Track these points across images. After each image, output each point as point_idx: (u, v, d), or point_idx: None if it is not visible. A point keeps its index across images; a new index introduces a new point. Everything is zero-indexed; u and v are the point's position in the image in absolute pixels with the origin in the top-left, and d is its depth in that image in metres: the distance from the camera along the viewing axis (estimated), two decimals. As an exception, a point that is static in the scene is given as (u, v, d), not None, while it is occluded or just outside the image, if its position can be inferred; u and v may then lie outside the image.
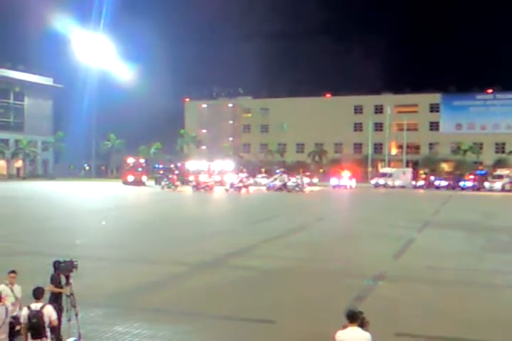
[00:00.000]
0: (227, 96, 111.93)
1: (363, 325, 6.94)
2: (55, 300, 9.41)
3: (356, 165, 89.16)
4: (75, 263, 9.76)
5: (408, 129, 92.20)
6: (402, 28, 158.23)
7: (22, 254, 19.02)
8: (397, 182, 73.75)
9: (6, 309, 8.15)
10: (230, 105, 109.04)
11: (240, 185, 58.87)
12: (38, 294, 8.27)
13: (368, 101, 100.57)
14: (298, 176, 64.74)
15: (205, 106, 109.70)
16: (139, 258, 18.78)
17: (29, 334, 7.94)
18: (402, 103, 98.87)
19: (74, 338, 9.34)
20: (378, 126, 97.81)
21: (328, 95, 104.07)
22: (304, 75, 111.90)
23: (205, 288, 14.51)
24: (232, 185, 59.08)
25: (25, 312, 8.04)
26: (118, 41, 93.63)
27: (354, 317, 6.93)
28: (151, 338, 10.37)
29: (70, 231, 25.78)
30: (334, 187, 70.04)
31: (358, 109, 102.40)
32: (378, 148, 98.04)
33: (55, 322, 8.20)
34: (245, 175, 65.94)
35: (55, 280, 9.81)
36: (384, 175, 76.69)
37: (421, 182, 74.87)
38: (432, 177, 75.84)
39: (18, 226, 27.12)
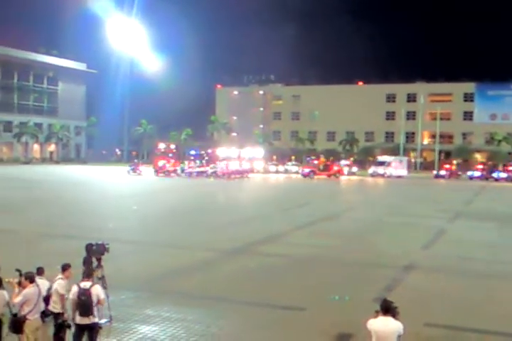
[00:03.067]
0: (258, 83, 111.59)
1: (394, 315, 6.92)
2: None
3: (387, 154, 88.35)
4: (107, 246, 9.88)
5: (441, 118, 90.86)
6: (437, 15, 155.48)
7: (55, 237, 19.36)
8: (396, 172, 70.66)
9: (39, 290, 8.28)
10: (261, 92, 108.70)
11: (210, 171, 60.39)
12: (88, 273, 8.47)
13: (401, 89, 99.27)
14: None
15: (236, 93, 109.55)
16: (170, 243, 18.95)
17: (77, 312, 8.11)
18: (436, 92, 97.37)
19: (105, 319, 9.49)
20: (411, 115, 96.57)
21: (361, 83, 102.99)
22: (335, 63, 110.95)
23: (234, 274, 14.59)
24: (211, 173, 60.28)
25: (74, 289, 8.21)
26: (151, 28, 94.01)
27: (388, 309, 6.92)
28: (180, 321, 10.47)
29: (101, 215, 26.17)
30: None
31: (391, 98, 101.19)
32: (410, 137, 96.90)
33: (103, 302, 8.35)
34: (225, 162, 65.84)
35: (87, 263, 9.96)
36: (381, 163, 73.07)
37: (443, 172, 72.90)
38: (454, 167, 74.95)
39: (51, 210, 27.59)
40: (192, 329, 10.10)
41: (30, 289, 8.22)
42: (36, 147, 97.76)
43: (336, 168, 67.57)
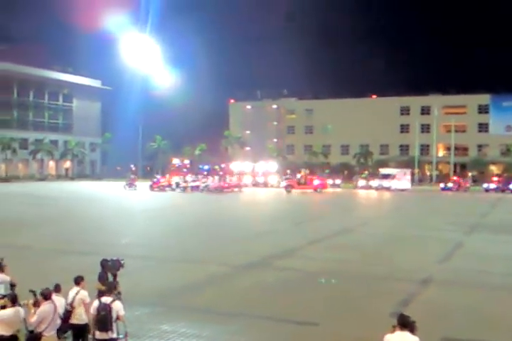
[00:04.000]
0: (271, 97, 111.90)
1: (412, 330, 6.85)
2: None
3: (402, 167, 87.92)
4: (122, 261, 9.93)
5: (456, 131, 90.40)
6: (449, 27, 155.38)
7: (70, 253, 19.44)
8: (401, 185, 68.57)
9: (55, 306, 8.31)
10: (275, 106, 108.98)
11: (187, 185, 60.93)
12: (110, 288, 8.54)
13: (415, 102, 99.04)
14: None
15: (249, 107, 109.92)
16: (184, 258, 18.96)
17: (96, 327, 8.15)
18: (450, 104, 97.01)
19: (121, 335, 9.48)
20: (425, 128, 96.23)
21: (374, 96, 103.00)
22: (348, 76, 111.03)
23: (249, 288, 14.55)
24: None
25: (95, 304, 8.27)
26: (164, 44, 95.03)
27: (405, 323, 6.85)
28: (196, 337, 10.44)
29: (115, 231, 26.26)
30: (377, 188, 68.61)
31: (405, 110, 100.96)
32: (425, 149, 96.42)
33: (123, 318, 8.36)
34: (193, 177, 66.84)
35: (102, 279, 9.99)
36: (386, 176, 70.64)
37: (450, 184, 70.81)
38: (462, 180, 72.55)
39: (65, 226, 27.73)
40: (207, 345, 10.08)
41: (45, 306, 8.26)
42: (52, 164, 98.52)
43: (317, 182, 63.99)
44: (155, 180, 63.50)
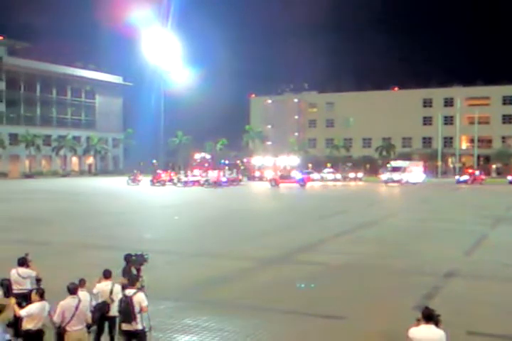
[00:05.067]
0: (292, 91, 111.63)
1: (437, 323, 6.79)
2: (127, 292, 9.65)
3: (425, 160, 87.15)
4: (146, 256, 9.98)
5: (480, 122, 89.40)
6: (473, 18, 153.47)
7: (95, 248, 19.62)
8: (413, 178, 67.15)
9: (79, 301, 8.38)
10: (296, 100, 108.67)
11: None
12: (132, 281, 8.61)
13: (438, 94, 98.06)
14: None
15: (270, 101, 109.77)
16: (207, 252, 19.02)
17: (120, 318, 8.30)
18: (474, 95, 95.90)
19: (146, 329, 9.55)
20: (448, 120, 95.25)
21: (396, 88, 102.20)
22: (370, 69, 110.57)
23: (272, 282, 14.54)
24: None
25: (119, 296, 8.43)
26: (185, 39, 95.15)
27: (430, 317, 6.80)
28: (219, 331, 10.47)
29: (139, 226, 26.42)
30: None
31: (427, 102, 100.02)
32: (448, 142, 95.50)
33: (146, 309, 8.40)
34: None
35: (126, 273, 10.06)
36: (397, 169, 68.84)
37: (465, 177, 69.88)
38: (477, 172, 71.34)
39: (90, 221, 27.99)
40: (231, 340, 10.10)
41: (67, 300, 8.35)
42: (75, 160, 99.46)
43: (299, 176, 63.28)
44: (131, 177, 64.12)
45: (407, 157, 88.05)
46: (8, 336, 8.08)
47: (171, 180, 62.44)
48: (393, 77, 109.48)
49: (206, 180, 60.00)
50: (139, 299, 8.28)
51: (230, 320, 11.14)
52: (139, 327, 8.31)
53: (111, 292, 9.12)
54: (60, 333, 8.37)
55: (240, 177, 68.37)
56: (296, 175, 63.56)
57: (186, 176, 63.02)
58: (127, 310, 8.19)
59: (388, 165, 72.10)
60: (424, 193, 53.62)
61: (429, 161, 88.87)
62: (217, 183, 59.17)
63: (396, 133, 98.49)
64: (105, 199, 43.83)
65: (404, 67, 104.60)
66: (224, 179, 62.04)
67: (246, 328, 10.70)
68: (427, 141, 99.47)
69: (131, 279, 8.64)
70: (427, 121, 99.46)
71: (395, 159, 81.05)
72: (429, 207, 38.16)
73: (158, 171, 66.90)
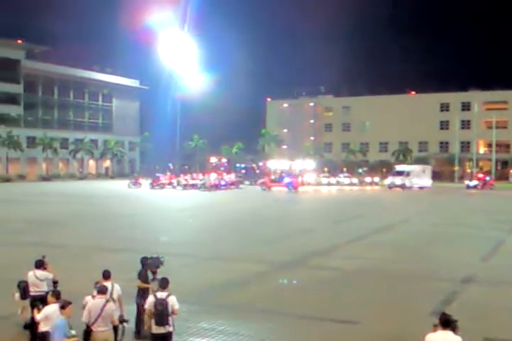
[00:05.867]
0: (308, 95, 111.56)
1: (454, 329, 6.73)
2: (143, 295, 9.68)
3: (442, 164, 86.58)
4: (162, 259, 10.02)
5: (497, 127, 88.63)
6: (491, 21, 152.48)
7: (110, 251, 19.71)
8: (418, 182, 65.27)
9: (106, 302, 8.40)
10: (312, 104, 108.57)
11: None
12: (164, 284, 8.59)
13: (455, 98, 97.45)
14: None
15: (286, 105, 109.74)
16: (222, 256, 19.02)
17: (153, 321, 8.25)
18: (491, 100, 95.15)
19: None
20: (465, 124, 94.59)
21: (413, 92, 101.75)
22: (386, 73, 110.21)
23: (287, 287, 14.51)
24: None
25: (151, 299, 8.39)
26: (201, 42, 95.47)
27: (448, 323, 6.73)
28: (234, 335, 10.46)
29: (154, 228, 26.49)
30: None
31: (444, 107, 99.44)
32: (465, 146, 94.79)
33: (177, 312, 8.46)
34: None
35: (142, 276, 10.10)
36: (400, 173, 66.92)
37: (475, 182, 68.21)
38: (487, 177, 70.03)
39: (106, 224, 28.14)
40: (246, 343, 10.09)
41: (95, 300, 8.44)
42: (92, 163, 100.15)
43: (287, 180, 62.13)
44: (133, 180, 65.40)
45: (423, 161, 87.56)
46: (73, 332, 8.15)
47: (170, 184, 63.45)
48: (410, 80, 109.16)
49: (203, 184, 60.57)
50: (172, 302, 8.35)
51: (245, 324, 11.13)
52: (171, 329, 8.37)
53: (111, 292, 9.14)
54: (86, 332, 8.47)
55: (238, 180, 68.97)
56: (286, 179, 63.20)
57: (186, 180, 63.79)
58: (163, 313, 8.24)
59: (395, 168, 70.87)
60: (434, 198, 53.26)
61: (446, 166, 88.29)
62: (212, 187, 59.67)
63: (413, 138, 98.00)
64: (117, 201, 44.02)
65: (421, 71, 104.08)
66: (222, 182, 62.82)
67: (261, 332, 10.69)
68: (444, 146, 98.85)
69: (161, 282, 8.67)
70: (444, 125, 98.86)
71: (411, 163, 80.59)
72: (442, 211, 37.90)
73: (158, 174, 68.32)
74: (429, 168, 70.83)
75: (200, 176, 67.09)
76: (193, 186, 61.01)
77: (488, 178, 69.92)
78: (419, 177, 66.36)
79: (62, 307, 7.80)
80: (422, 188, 64.57)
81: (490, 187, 66.86)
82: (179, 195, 53.52)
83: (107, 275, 9.51)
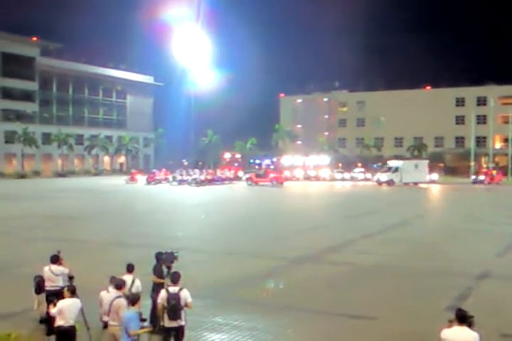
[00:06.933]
0: (322, 90, 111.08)
1: (470, 325, 6.68)
2: (158, 290, 9.70)
3: (458, 160, 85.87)
4: (176, 254, 10.05)
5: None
6: (505, 15, 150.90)
7: (126, 246, 19.81)
8: (409, 178, 62.07)
9: (115, 297, 8.44)
10: (326, 99, 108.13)
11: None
12: (175, 278, 8.62)
13: (470, 92, 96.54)
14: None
15: (300, 101, 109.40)
16: (237, 251, 19.05)
17: (165, 316, 8.27)
18: (507, 94, 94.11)
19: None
20: (481, 119, 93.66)
21: (428, 87, 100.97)
22: (401, 67, 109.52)
23: (302, 282, 14.49)
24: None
25: (163, 294, 8.42)
26: (215, 38, 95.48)
27: (464, 318, 6.68)
28: (249, 330, 10.47)
29: (170, 224, 26.60)
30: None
31: (460, 101, 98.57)
32: (481, 141, 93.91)
33: (191, 305, 8.49)
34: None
35: (157, 271, 10.14)
36: (388, 169, 64.17)
37: (481, 177, 66.25)
38: (494, 172, 67.84)
39: (122, 219, 28.30)
40: (260, 339, 10.09)
41: (108, 293, 8.53)
42: (106, 159, 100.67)
43: (272, 175, 62.75)
44: (129, 176, 68.03)
45: (438, 156, 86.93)
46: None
47: (165, 179, 65.03)
48: (425, 75, 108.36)
49: (194, 179, 61.51)
50: (185, 296, 8.37)
51: (260, 319, 11.13)
52: (183, 323, 8.40)
53: (131, 285, 9.21)
54: (105, 326, 8.61)
55: (232, 176, 70.53)
56: (270, 174, 63.60)
57: (182, 175, 65.06)
58: (176, 308, 8.27)
59: (388, 164, 67.48)
60: (440, 195, 52.90)
61: (461, 161, 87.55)
62: (203, 182, 60.67)
63: (428, 133, 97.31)
64: (127, 196, 44.25)
65: (436, 66, 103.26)
66: (218, 177, 65.32)
67: (276, 327, 10.69)
68: (459, 141, 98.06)
69: (173, 277, 8.69)
70: (460, 120, 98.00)
71: (426, 159, 79.89)
72: (453, 207, 37.66)
73: (153, 170, 70.71)
74: (424, 163, 66.89)
75: (196, 172, 68.26)
76: (186, 181, 62.18)
77: (495, 173, 68.42)
78: (410, 172, 62.92)
79: (133, 304, 7.94)
80: (416, 184, 62.14)
81: (497, 182, 65.41)
82: (177, 190, 54.20)
83: (130, 268, 9.59)
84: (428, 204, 42.09)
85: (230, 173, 71.42)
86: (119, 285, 8.65)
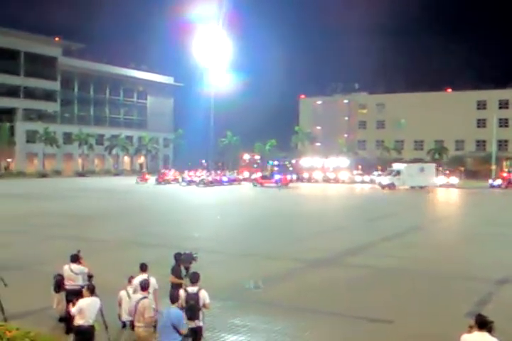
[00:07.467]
0: (342, 92, 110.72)
1: (490, 330, 6.60)
2: (176, 290, 9.73)
3: (479, 163, 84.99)
4: (195, 255, 10.09)
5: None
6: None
7: (144, 245, 19.90)
8: (410, 182, 60.23)
9: (140, 299, 8.47)
10: (346, 101, 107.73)
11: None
12: (195, 278, 8.65)
13: (492, 95, 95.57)
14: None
15: (320, 102, 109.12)
16: (255, 252, 19.05)
17: (184, 316, 8.25)
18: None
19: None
20: (503, 122, 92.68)
21: (449, 90, 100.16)
22: (422, 69, 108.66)
23: (320, 284, 14.45)
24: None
25: (182, 294, 8.43)
26: (235, 39, 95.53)
27: (484, 324, 6.61)
28: (266, 332, 10.47)
29: (188, 224, 26.69)
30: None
31: (481, 104, 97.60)
32: (503, 145, 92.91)
33: (209, 306, 8.52)
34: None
35: (175, 272, 10.18)
36: (390, 172, 62.74)
37: (498, 181, 64.32)
38: None
39: (140, 219, 28.47)
40: None
41: (135, 295, 8.61)
42: (126, 159, 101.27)
43: (277, 177, 62.20)
44: (140, 176, 69.25)
45: (459, 160, 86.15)
46: (199, 322, 8.32)
47: (175, 179, 66.27)
48: (446, 78, 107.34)
49: (201, 180, 62.07)
50: (204, 296, 8.38)
51: (277, 321, 11.11)
52: (201, 324, 8.41)
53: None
54: (132, 327, 8.69)
55: (241, 177, 71.24)
56: (276, 176, 63.49)
57: (190, 176, 66.24)
58: (194, 308, 8.29)
59: (392, 166, 65.70)
60: (456, 199, 52.32)
61: (483, 165, 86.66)
62: (211, 183, 61.35)
63: (449, 136, 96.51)
64: (145, 196, 44.48)
65: (457, 68, 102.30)
66: (225, 179, 65.99)
67: (293, 329, 10.67)
68: (480, 144, 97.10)
69: (192, 277, 8.71)
70: (481, 123, 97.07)
71: (447, 162, 79.23)
72: (469, 211, 37.25)
73: (163, 171, 72.31)
74: (430, 166, 65.00)
75: (203, 173, 69.47)
76: (194, 182, 62.80)
77: None
78: (414, 176, 60.92)
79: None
80: (422, 188, 60.24)
81: None
82: (186, 190, 54.89)
83: (144, 268, 9.65)
84: (444, 208, 41.68)
85: (241, 174, 72.04)
86: (144, 286, 8.68)
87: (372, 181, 72.58)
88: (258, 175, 67.48)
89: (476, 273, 16.03)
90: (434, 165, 66.80)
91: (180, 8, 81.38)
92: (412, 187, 60.50)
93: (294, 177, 69.76)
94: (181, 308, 8.25)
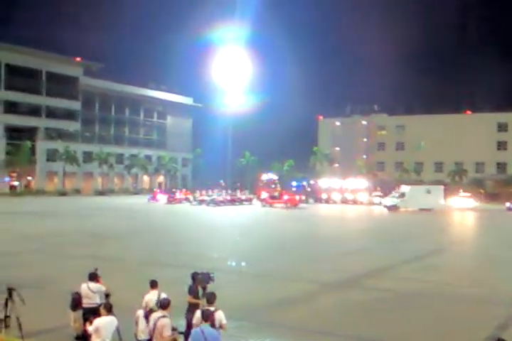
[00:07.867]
0: (361, 113, 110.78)
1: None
2: (193, 310, 9.69)
3: (500, 186, 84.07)
4: (212, 275, 10.04)
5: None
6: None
7: (162, 265, 19.89)
8: (414, 204, 58.96)
9: (159, 317, 8.44)
10: (364, 122, 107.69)
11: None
12: (211, 298, 8.61)
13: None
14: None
15: (338, 123, 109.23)
16: (273, 273, 18.95)
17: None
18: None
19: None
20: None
21: (468, 112, 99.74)
22: (441, 91, 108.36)
23: (335, 307, 14.31)
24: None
25: (198, 314, 8.39)
26: (255, 60, 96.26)
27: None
28: (282, 354, 10.36)
29: (206, 244, 26.66)
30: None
31: (502, 127, 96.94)
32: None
33: (225, 327, 8.46)
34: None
35: (192, 292, 10.14)
36: (395, 194, 61.95)
37: None
38: None
39: (159, 238, 28.53)
40: (294, 363, 9.98)
41: (155, 313, 8.58)
42: (146, 178, 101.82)
43: (286, 197, 62.47)
44: (151, 196, 71.52)
45: (479, 182, 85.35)
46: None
47: (186, 199, 67.48)
48: (466, 100, 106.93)
49: (212, 199, 62.77)
50: (220, 317, 8.32)
51: (294, 343, 11.00)
52: None
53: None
54: None
55: (245, 197, 71.23)
56: (284, 196, 63.66)
57: (201, 195, 67.17)
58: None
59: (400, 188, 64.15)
60: (473, 221, 51.64)
61: (503, 187, 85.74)
62: (221, 202, 62.04)
63: (469, 158, 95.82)
64: (161, 216, 44.57)
65: (477, 90, 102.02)
66: (243, 197, 68.18)
67: (310, 352, 10.55)
68: (501, 167, 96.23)
69: (209, 297, 8.67)
70: (502, 145, 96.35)
71: (467, 184, 78.45)
72: (488, 234, 36.69)
73: (174, 190, 74.82)
74: (438, 188, 63.84)
75: (214, 192, 70.55)
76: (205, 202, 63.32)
77: None
78: (420, 198, 59.50)
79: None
80: (429, 210, 58.22)
81: None
82: (196, 210, 55.31)
83: (154, 285, 9.64)
84: (463, 231, 41.18)
85: (258, 194, 72.34)
86: (164, 304, 8.65)
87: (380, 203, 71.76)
88: (265, 195, 67.33)
89: (496, 297, 15.77)
90: (441, 187, 65.64)
91: (201, 29, 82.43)
92: (421, 209, 59.43)
93: (304, 198, 69.41)
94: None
